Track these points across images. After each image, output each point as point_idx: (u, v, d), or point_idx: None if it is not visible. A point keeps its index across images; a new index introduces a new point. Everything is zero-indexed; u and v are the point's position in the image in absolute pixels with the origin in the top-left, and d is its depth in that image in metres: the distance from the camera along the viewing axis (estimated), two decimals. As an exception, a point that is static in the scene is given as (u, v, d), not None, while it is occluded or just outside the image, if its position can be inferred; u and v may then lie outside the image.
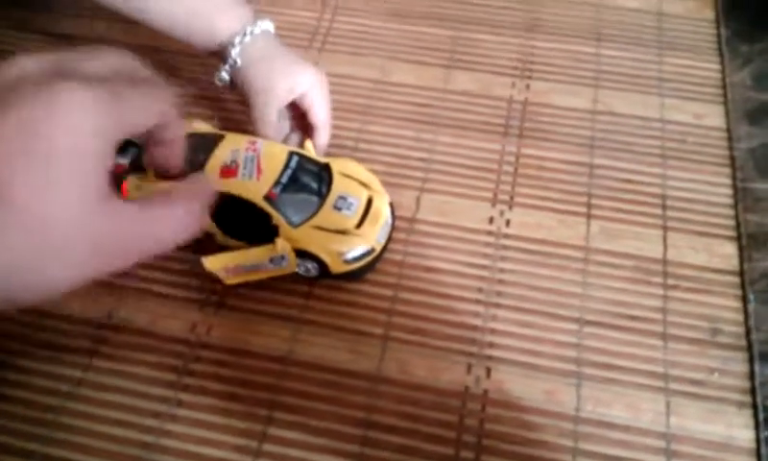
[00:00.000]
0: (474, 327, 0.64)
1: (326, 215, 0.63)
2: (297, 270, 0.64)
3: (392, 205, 0.67)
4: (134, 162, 0.65)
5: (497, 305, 0.65)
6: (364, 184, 0.66)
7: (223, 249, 0.63)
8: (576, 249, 0.68)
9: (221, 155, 0.64)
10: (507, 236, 0.69)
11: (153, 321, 0.64)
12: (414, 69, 0.84)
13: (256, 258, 0.62)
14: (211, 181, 0.61)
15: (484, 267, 0.67)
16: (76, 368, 0.62)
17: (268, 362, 0.62)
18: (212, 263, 0.62)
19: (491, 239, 0.69)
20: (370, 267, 0.65)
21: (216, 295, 0.65)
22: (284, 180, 0.63)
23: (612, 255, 0.68)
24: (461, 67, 0.84)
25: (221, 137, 0.66)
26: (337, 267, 0.63)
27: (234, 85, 0.71)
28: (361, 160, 0.73)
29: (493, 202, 0.72)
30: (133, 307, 0.65)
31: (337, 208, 0.63)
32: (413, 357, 0.62)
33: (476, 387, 0.61)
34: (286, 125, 0.72)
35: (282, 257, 0.62)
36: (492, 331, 0.63)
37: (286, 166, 0.64)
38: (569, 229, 0.70)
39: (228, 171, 0.63)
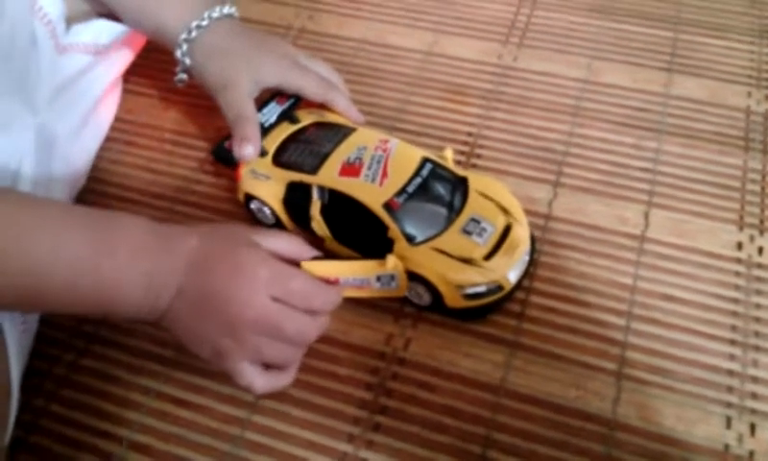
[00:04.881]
0: (730, 373, 0.52)
1: (452, 238, 0.53)
2: (406, 294, 0.55)
3: (533, 238, 0.56)
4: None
5: (756, 348, 0.53)
6: (503, 209, 0.55)
7: (330, 256, 0.55)
8: None
9: (346, 149, 0.57)
10: (761, 266, 0.58)
11: (345, 330, 0.56)
12: (627, 70, 0.74)
13: (361, 273, 0.53)
14: (327, 176, 0.55)
15: (735, 301, 0.56)
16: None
17: (478, 390, 0.53)
18: (312, 270, 0.52)
19: (741, 268, 0.58)
20: (493, 307, 0.55)
21: (413, 306, 0.57)
22: (411, 189, 0.54)
23: None
24: (684, 72, 0.73)
25: (351, 131, 0.59)
26: (454, 301, 0.53)
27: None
28: (573, 166, 0.64)
29: (740, 225, 0.61)
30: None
31: (466, 232, 0.53)
32: (655, 402, 0.51)
33: (739, 447, 0.49)
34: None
35: (392, 278, 0.53)
36: (754, 380, 0.52)
37: (416, 173, 0.55)
38: (838, 263, 0.57)
39: (350, 169, 0.55)
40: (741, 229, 0.60)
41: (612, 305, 0.56)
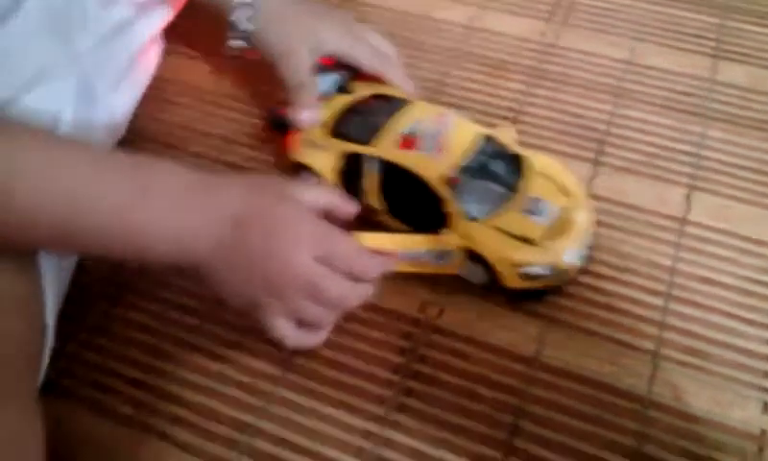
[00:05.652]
0: (768, 358, 0.52)
1: (512, 217, 0.52)
2: (459, 272, 0.54)
3: (597, 222, 0.56)
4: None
5: (796, 336, 0.53)
6: (565, 191, 0.54)
7: (382, 228, 0.55)
8: None
9: (403, 122, 0.56)
10: (806, 256, 0.57)
11: (379, 295, 0.56)
12: (671, 54, 0.73)
13: (416, 247, 0.53)
14: (385, 148, 0.55)
15: (776, 287, 0.55)
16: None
17: (512, 361, 0.52)
18: (366, 242, 0.52)
19: (783, 256, 0.57)
20: (552, 290, 0.54)
21: (449, 274, 0.56)
22: (471, 164, 0.53)
23: None
24: (730, 59, 0.72)
25: (407, 103, 0.58)
26: (511, 281, 0.52)
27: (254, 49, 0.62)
28: (614, 146, 0.63)
29: (783, 209, 0.60)
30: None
31: (527, 212, 0.52)
32: (691, 383, 0.51)
33: (775, 430, 0.49)
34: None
35: (447, 254, 0.52)
36: (793, 366, 0.51)
37: (476, 149, 0.54)
38: None
39: (407, 141, 0.54)
40: (784, 217, 0.59)
41: (651, 286, 0.55)
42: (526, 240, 0.51)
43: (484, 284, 0.54)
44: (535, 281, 0.52)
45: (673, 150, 0.64)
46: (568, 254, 0.52)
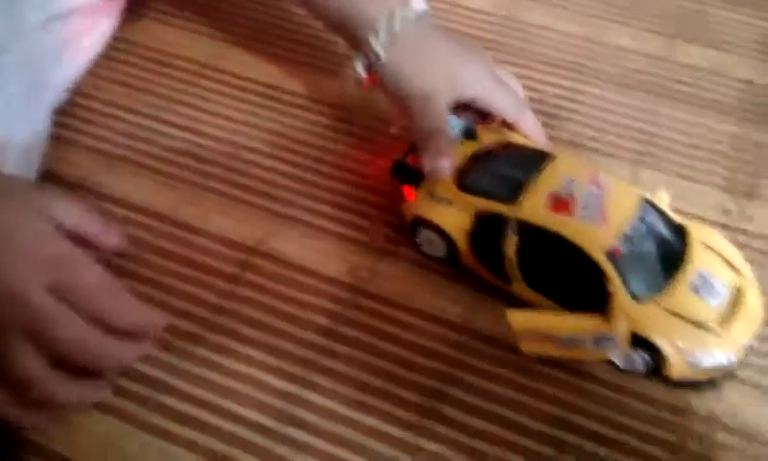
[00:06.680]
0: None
1: (681, 295, 0.45)
2: (614, 359, 0.47)
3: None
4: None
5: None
6: (733, 267, 0.49)
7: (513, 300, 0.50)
8: (839, 262, 0.54)
9: (552, 180, 0.49)
10: (746, 233, 0.56)
11: (310, 256, 0.54)
12: (631, 33, 0.72)
13: (579, 331, 0.46)
14: (532, 210, 0.48)
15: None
16: (217, 293, 0.52)
17: (445, 329, 0.51)
18: (518, 320, 0.47)
19: (726, 234, 0.55)
20: (713, 382, 0.47)
21: (383, 240, 0.55)
22: (633, 234, 0.46)
23: None
24: (689, 39, 0.71)
25: (549, 157, 0.51)
26: (679, 370, 0.46)
27: (380, 84, 0.56)
28: (568, 121, 0.62)
29: (730, 192, 0.59)
30: (290, 237, 0.56)
31: (695, 290, 0.46)
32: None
33: (700, 406, 0.47)
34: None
35: (609, 338, 0.45)
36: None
37: (637, 217, 0.47)
38: (829, 237, 0.55)
39: (562, 204, 0.47)
40: (730, 195, 0.59)
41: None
42: (700, 325, 0.45)
43: (644, 372, 0.47)
44: (705, 374, 0.47)
45: (625, 127, 0.63)
46: (747, 342, 0.47)
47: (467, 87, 0.55)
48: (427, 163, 0.52)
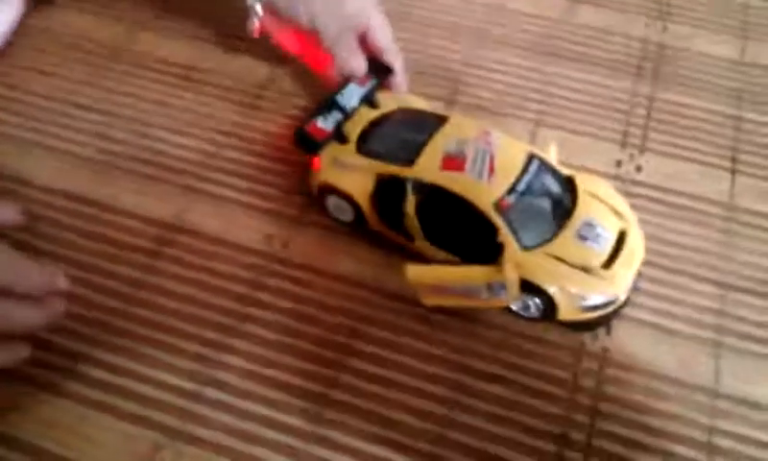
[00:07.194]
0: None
1: (567, 243, 0.48)
2: (512, 305, 0.51)
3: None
4: (337, 130, 0.55)
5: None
6: (617, 213, 0.51)
7: (417, 256, 0.52)
8: (718, 205, 0.58)
9: (444, 141, 0.51)
10: (636, 183, 0.60)
11: (225, 228, 0.57)
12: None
13: (472, 281, 0.49)
14: (427, 169, 0.50)
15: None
16: (136, 268, 0.54)
17: (355, 288, 0.53)
18: (415, 274, 0.50)
19: (618, 184, 0.59)
20: (604, 321, 0.51)
21: (295, 208, 0.57)
22: (521, 187, 0.49)
23: (761, 217, 0.57)
24: (585, 1, 0.74)
25: (444, 119, 0.53)
26: (569, 313, 0.49)
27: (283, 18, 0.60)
28: (469, 86, 0.65)
29: (622, 144, 0.62)
30: (205, 212, 0.58)
31: (581, 237, 0.49)
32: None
33: (593, 345, 0.51)
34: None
35: (502, 286, 0.48)
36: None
37: (524, 170, 0.50)
38: (710, 183, 0.60)
39: (453, 162, 0.50)
40: (623, 147, 0.62)
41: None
42: (585, 269, 0.48)
43: (537, 318, 0.51)
44: (592, 313, 0.49)
45: (525, 88, 0.66)
46: (628, 283, 0.50)
47: (364, 10, 0.59)
48: (342, 65, 0.57)
